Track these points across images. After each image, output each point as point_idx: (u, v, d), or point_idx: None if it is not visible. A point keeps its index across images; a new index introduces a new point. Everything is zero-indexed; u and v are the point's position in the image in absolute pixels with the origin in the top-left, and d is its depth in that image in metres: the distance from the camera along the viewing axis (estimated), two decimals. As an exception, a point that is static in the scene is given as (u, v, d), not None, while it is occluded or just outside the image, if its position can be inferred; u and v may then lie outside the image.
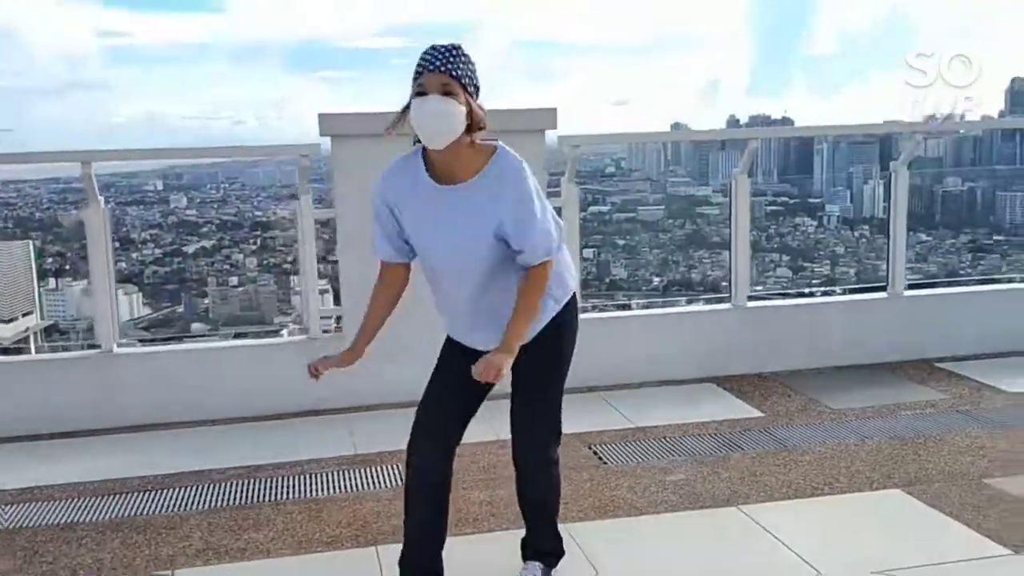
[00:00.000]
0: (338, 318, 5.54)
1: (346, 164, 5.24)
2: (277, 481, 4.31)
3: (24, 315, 5.89)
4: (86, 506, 4.09)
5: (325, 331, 5.44)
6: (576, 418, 4.83)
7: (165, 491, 4.23)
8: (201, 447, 4.79)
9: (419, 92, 2.66)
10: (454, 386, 2.96)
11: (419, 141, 2.73)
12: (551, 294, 2.90)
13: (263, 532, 3.77)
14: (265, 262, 6.44)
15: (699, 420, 5.01)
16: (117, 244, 6.07)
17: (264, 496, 4.15)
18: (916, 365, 5.91)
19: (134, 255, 6.32)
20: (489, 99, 2.79)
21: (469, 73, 2.69)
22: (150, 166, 6.88)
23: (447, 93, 2.64)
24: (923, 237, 7.09)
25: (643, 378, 5.65)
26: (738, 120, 8.74)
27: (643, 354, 5.70)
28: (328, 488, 4.22)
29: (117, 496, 4.18)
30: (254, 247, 6.52)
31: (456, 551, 3.22)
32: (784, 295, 6.62)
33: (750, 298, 5.98)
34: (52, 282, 6.47)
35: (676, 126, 8.40)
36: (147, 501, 4.12)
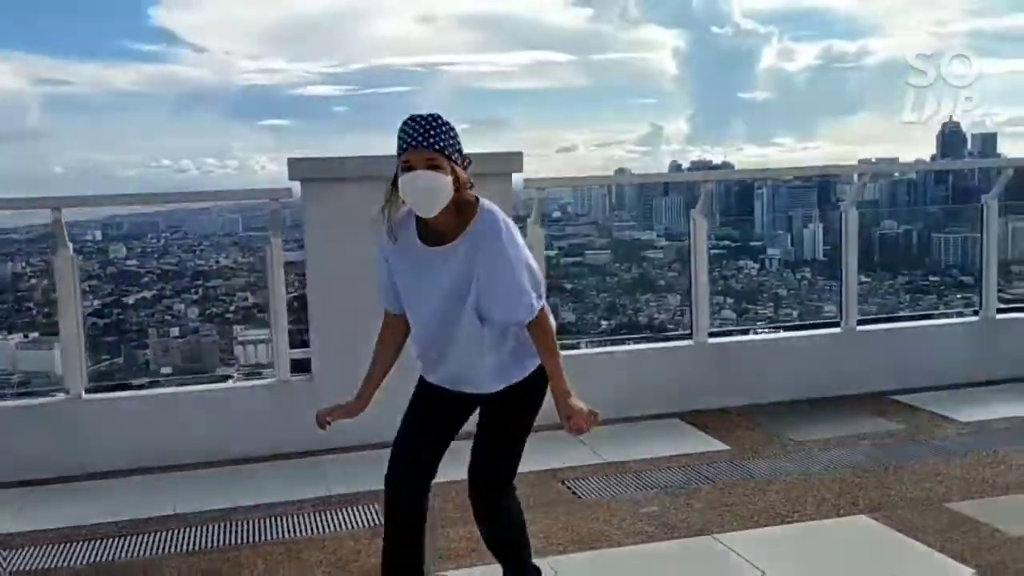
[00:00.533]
0: (305, 361, 5.56)
1: (316, 207, 5.32)
2: (253, 524, 4.30)
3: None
4: (60, 552, 4.04)
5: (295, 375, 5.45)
6: (547, 454, 4.91)
7: (139, 536, 4.20)
8: (173, 492, 4.75)
9: (406, 167, 2.77)
10: (428, 421, 3.07)
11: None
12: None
13: (244, 573, 3.77)
14: (207, 312, 6.38)
15: (667, 454, 5.11)
16: (54, 295, 5.98)
17: (241, 538, 4.15)
18: (872, 397, 6.09)
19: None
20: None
21: (451, 141, 2.79)
22: (88, 215, 6.63)
23: (432, 167, 2.75)
24: (863, 279, 7.30)
25: (609, 415, 5.64)
26: (680, 165, 8.97)
27: (609, 391, 5.73)
28: (305, 529, 4.23)
29: (90, 542, 4.14)
30: (196, 297, 6.42)
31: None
32: (729, 332, 6.75)
33: (710, 335, 6.14)
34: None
35: (620, 171, 8.62)
36: (122, 546, 4.09)
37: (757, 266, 7.50)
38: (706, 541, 3.94)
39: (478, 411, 3.12)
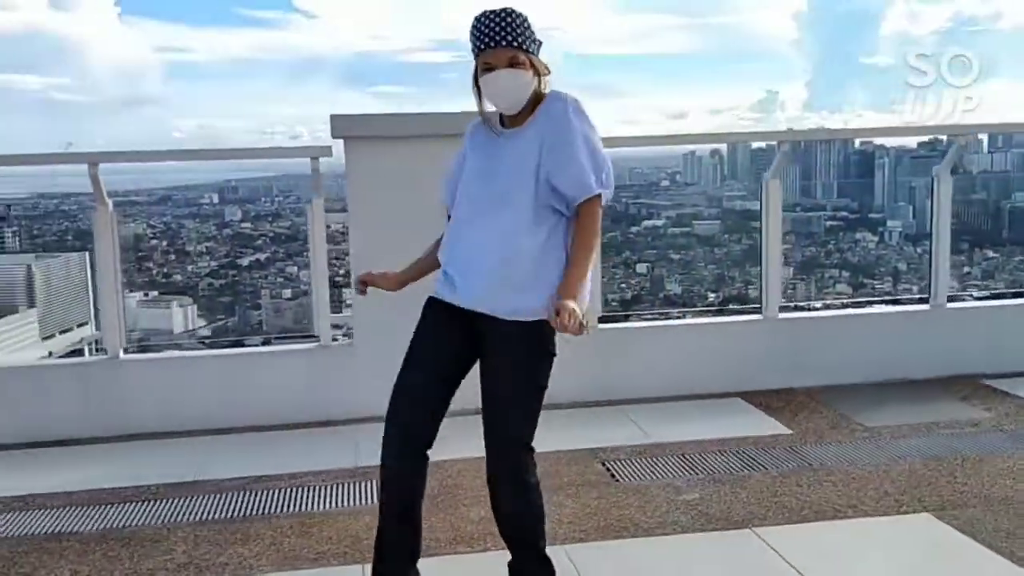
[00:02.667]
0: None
1: (359, 167, 5.11)
2: (273, 493, 4.15)
3: (79, 326, 5.86)
4: (74, 516, 3.97)
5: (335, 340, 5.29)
6: (591, 432, 4.66)
7: (157, 502, 4.10)
8: (202, 457, 4.65)
9: (486, 68, 2.72)
10: (427, 374, 2.84)
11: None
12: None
13: (249, 547, 3.61)
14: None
15: (721, 436, 4.74)
16: (173, 256, 6.16)
17: (257, 509, 3.99)
18: (959, 381, 5.57)
19: (189, 267, 6.35)
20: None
21: (528, 34, 2.73)
22: (205, 178, 6.89)
23: (513, 64, 2.70)
24: (990, 254, 6.84)
25: (667, 392, 5.39)
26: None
27: (668, 366, 5.45)
28: (324, 502, 4.05)
29: (107, 506, 4.05)
30: (307, 260, 6.50)
31: (449, 570, 3.04)
32: (809, 308, 6.31)
33: (782, 308, 5.70)
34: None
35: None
36: (136, 512, 3.99)
37: (876, 239, 7.06)
38: (744, 535, 3.58)
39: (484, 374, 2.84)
